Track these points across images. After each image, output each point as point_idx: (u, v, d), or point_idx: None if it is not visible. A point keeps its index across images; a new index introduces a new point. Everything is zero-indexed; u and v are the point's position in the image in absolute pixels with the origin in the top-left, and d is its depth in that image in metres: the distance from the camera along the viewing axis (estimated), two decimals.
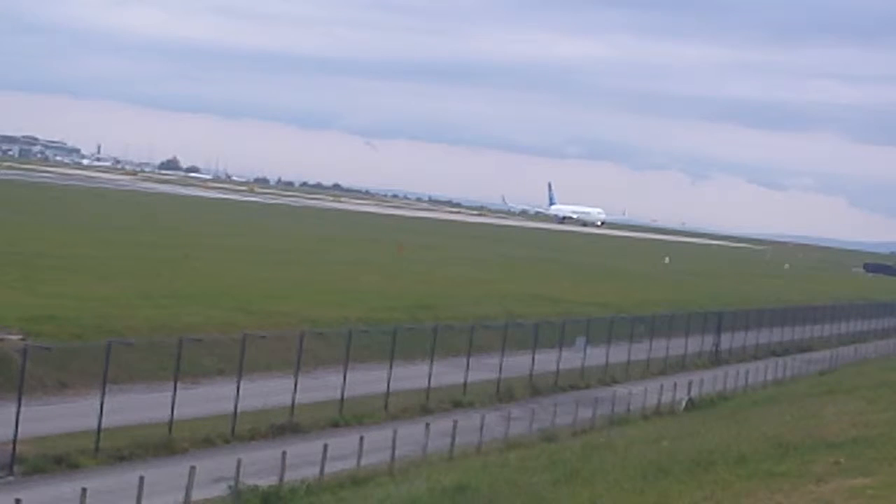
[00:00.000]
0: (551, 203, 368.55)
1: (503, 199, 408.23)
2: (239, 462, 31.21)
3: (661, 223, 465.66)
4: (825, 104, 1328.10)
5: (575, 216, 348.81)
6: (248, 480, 31.14)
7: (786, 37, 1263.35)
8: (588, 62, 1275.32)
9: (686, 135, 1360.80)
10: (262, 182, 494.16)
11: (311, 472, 34.02)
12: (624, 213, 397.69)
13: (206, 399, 42.55)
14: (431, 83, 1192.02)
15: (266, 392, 43.46)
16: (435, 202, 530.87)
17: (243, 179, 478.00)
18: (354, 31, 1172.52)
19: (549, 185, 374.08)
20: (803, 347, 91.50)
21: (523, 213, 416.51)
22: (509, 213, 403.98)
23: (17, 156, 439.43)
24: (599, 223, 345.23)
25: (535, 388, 56.54)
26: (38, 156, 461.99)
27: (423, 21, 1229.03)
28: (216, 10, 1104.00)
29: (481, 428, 41.64)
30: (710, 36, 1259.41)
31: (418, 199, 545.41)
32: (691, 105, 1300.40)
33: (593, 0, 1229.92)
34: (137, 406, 39.61)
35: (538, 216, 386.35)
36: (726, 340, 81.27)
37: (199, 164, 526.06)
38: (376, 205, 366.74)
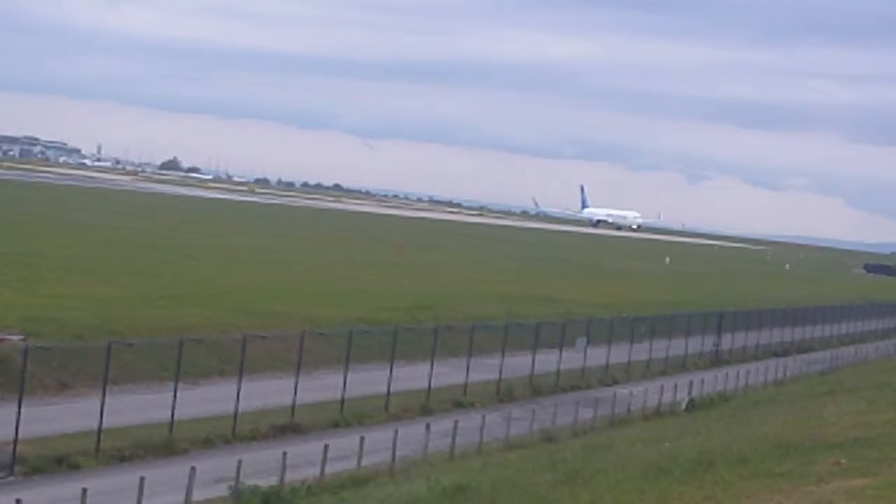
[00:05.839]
0: (584, 206, 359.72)
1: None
2: (239, 462, 31.22)
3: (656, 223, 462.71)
4: (821, 104, 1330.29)
5: (610, 220, 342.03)
6: (249, 481, 31.14)
7: (782, 37, 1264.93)
8: (585, 62, 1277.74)
9: (683, 135, 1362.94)
10: (263, 182, 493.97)
11: (312, 472, 34.04)
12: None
13: (207, 399, 42.53)
14: (430, 83, 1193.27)
15: (267, 392, 43.42)
16: (435, 202, 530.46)
17: (244, 180, 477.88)
18: (353, 32, 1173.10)
19: (582, 188, 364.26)
20: (804, 348, 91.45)
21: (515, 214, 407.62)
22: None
23: (17, 156, 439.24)
24: (635, 227, 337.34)
25: (536, 388, 56.53)
26: (39, 156, 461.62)
27: (421, 21, 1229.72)
28: (216, 11, 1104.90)
29: (482, 428, 41.63)
30: (706, 36, 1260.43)
31: (419, 200, 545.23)
32: (688, 105, 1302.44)
33: (589, 0, 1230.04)
34: (138, 406, 39.59)
35: (537, 217, 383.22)
36: (727, 341, 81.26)
37: (200, 165, 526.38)
38: (377, 205, 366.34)
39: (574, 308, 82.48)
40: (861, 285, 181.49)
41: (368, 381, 47.21)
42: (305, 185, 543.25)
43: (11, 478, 32.35)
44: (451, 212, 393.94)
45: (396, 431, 38.39)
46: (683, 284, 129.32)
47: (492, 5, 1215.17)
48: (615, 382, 61.80)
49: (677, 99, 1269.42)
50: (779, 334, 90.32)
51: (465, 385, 52.47)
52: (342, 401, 44.96)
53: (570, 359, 60.72)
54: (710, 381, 61.58)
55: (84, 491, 26.45)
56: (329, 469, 34.18)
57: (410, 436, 39.47)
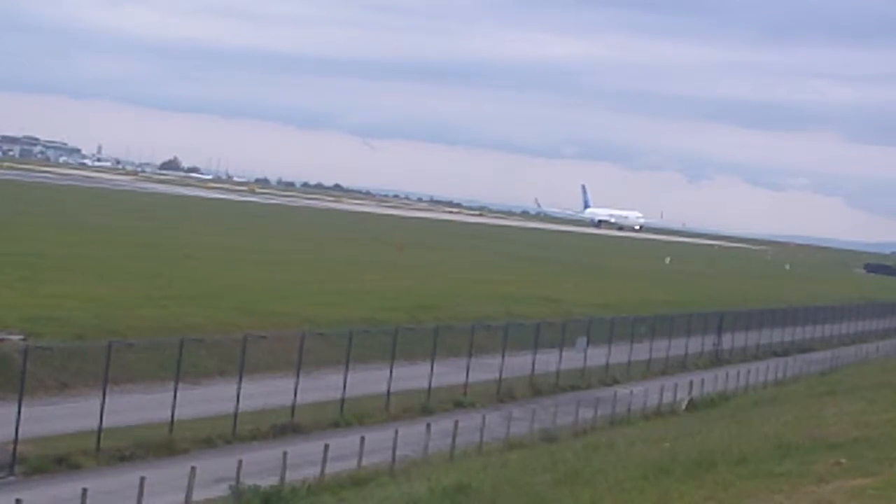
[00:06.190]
0: (586, 206, 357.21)
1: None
2: (240, 462, 31.18)
3: (658, 223, 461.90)
4: (821, 104, 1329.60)
5: (612, 220, 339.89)
6: (249, 481, 31.11)
7: (782, 36, 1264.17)
8: (585, 62, 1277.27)
9: (683, 135, 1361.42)
10: (263, 182, 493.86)
11: (313, 472, 34.02)
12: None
13: (207, 399, 42.53)
14: (430, 83, 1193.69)
15: (267, 392, 43.45)
16: (435, 202, 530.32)
17: (244, 179, 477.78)
18: (353, 32, 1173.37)
19: (584, 188, 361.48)
20: (804, 348, 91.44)
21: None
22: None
23: (17, 156, 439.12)
24: (637, 227, 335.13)
25: (536, 388, 56.53)
26: (39, 156, 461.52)
27: (421, 21, 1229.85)
28: (216, 11, 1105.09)
29: (482, 428, 41.62)
30: (706, 36, 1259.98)
31: (419, 200, 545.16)
32: (688, 105, 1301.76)
33: (589, 0, 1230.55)
34: (138, 406, 39.60)
35: (538, 218, 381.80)
36: (727, 340, 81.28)
37: (200, 165, 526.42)
38: (377, 205, 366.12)
39: (574, 308, 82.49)
40: (861, 285, 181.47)
41: (368, 381, 47.20)
42: (305, 185, 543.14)
43: (12, 478, 32.35)
44: (451, 212, 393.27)
45: (397, 431, 38.37)
46: (684, 284, 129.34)
47: (492, 5, 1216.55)
48: (615, 382, 61.79)
49: (677, 99, 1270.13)
50: (779, 334, 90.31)
51: (466, 385, 52.47)
52: (342, 401, 44.95)
53: (571, 359, 60.71)
54: (711, 381, 61.56)
55: (84, 491, 26.43)
56: (329, 469, 34.17)
57: (411, 436, 39.46)
